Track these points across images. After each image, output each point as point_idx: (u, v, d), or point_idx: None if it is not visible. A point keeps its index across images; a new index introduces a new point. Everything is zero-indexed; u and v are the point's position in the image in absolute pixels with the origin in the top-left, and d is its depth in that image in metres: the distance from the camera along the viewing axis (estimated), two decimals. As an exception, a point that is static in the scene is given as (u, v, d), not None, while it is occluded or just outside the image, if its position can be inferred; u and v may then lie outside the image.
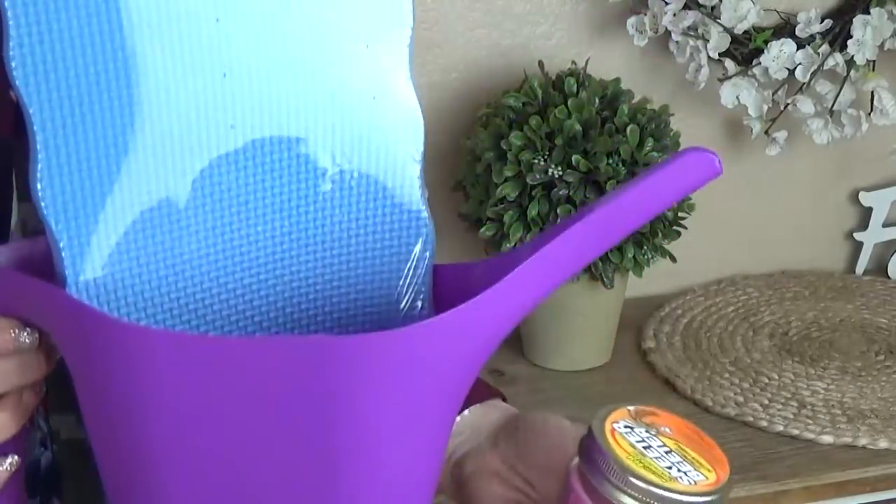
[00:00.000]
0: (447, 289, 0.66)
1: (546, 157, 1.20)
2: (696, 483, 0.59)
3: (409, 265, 0.66)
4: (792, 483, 1.15)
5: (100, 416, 0.59)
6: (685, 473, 0.59)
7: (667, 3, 1.31)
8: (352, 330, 0.66)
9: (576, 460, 0.61)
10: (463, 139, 1.30)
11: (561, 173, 1.19)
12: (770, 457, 1.17)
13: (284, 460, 0.57)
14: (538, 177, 1.19)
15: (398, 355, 0.55)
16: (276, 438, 0.56)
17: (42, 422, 0.80)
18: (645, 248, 1.24)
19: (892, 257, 1.57)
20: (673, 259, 1.27)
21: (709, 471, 0.60)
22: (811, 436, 1.20)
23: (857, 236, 1.57)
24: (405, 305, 0.66)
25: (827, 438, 1.20)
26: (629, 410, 0.63)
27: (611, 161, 1.19)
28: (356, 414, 0.56)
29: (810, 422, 1.22)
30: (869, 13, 1.32)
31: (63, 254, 0.57)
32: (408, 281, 0.66)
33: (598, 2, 1.40)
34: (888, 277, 1.57)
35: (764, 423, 1.22)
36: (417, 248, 0.65)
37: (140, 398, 0.56)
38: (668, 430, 0.62)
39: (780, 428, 1.21)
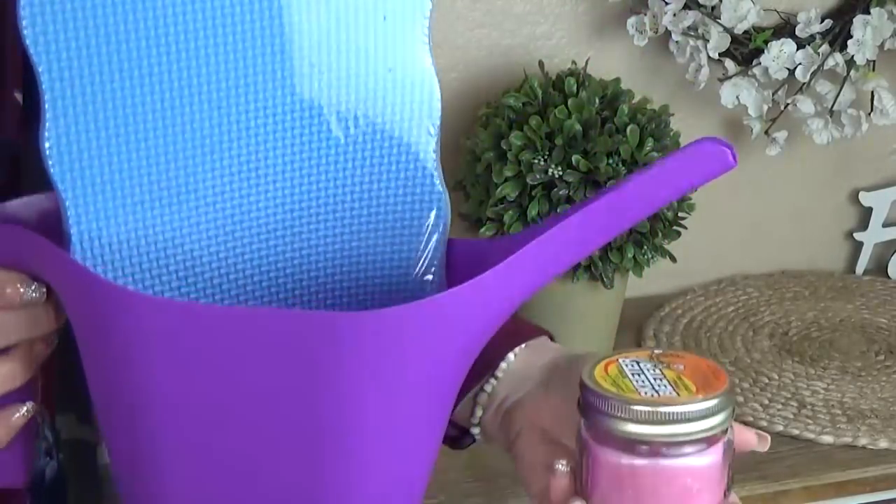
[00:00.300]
0: (462, 264, 0.66)
1: (546, 157, 1.20)
2: (658, 396, 0.58)
3: (422, 236, 0.66)
4: (792, 483, 1.15)
5: (101, 380, 0.60)
6: (656, 391, 0.59)
7: (667, 3, 1.31)
8: (361, 298, 0.66)
9: None
10: (463, 139, 1.30)
11: (561, 173, 1.19)
12: (770, 457, 1.17)
13: (275, 435, 0.57)
14: (538, 177, 1.19)
15: (390, 333, 0.55)
16: (266, 410, 0.57)
17: (48, 431, 0.80)
18: (645, 248, 1.24)
19: (892, 257, 1.57)
20: (673, 259, 1.27)
21: (689, 393, 0.59)
22: (811, 436, 1.20)
23: (857, 236, 1.57)
24: (417, 274, 0.66)
25: (827, 438, 1.20)
26: (650, 353, 0.63)
27: (611, 161, 1.19)
28: (343, 389, 0.56)
29: (810, 422, 1.22)
30: (869, 13, 1.32)
31: (69, 212, 0.58)
32: (420, 252, 0.66)
33: (598, 2, 1.40)
34: (888, 277, 1.57)
35: (764, 423, 1.22)
36: (431, 219, 0.65)
37: (135, 361, 0.57)
38: (681, 366, 0.61)
39: (780, 428, 1.21)
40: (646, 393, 0.59)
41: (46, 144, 0.57)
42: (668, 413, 0.58)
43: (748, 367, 1.33)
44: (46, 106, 0.56)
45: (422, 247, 0.66)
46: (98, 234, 0.59)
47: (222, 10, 0.59)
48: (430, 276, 0.66)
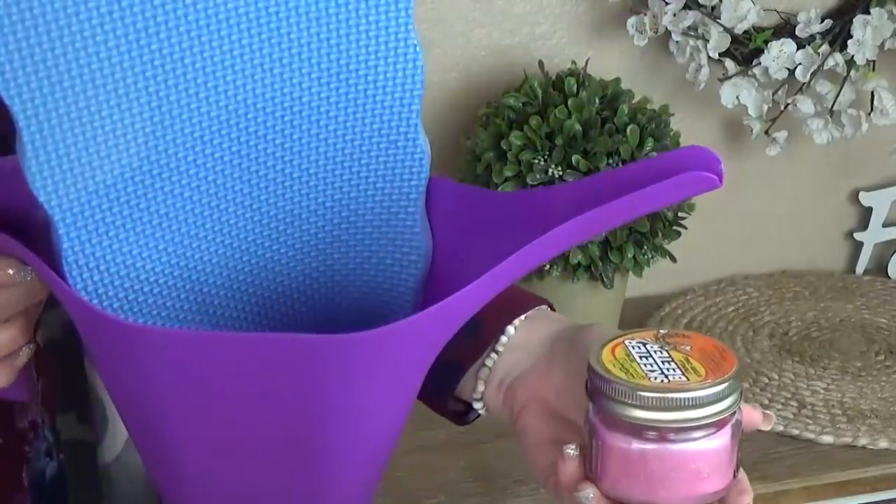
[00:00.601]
0: (449, 207, 0.67)
1: (546, 157, 1.20)
2: (668, 382, 0.58)
3: (407, 205, 0.66)
4: (792, 483, 1.15)
5: (108, 376, 0.64)
6: (665, 376, 0.59)
7: (667, 3, 1.31)
8: (351, 277, 0.68)
9: None
10: (463, 139, 1.30)
11: (561, 173, 1.19)
12: (770, 457, 1.17)
13: (272, 432, 0.60)
14: (538, 177, 1.19)
15: (365, 354, 0.57)
16: (256, 425, 0.60)
17: (48, 431, 0.80)
18: (645, 248, 1.24)
19: (892, 257, 1.57)
20: (673, 259, 1.28)
21: (698, 377, 0.59)
22: (811, 436, 1.20)
23: (857, 236, 1.57)
24: (398, 226, 0.67)
25: (827, 438, 1.20)
26: (656, 333, 0.62)
27: (611, 161, 1.19)
28: (328, 399, 0.58)
29: (810, 422, 1.22)
30: (869, 13, 1.32)
31: (60, 231, 0.59)
32: (402, 213, 0.66)
33: (598, 2, 1.40)
34: (888, 277, 1.57)
35: (764, 423, 1.22)
36: (414, 183, 0.66)
37: (134, 374, 0.60)
38: (688, 347, 0.61)
39: (780, 428, 1.21)
40: (655, 378, 0.58)
41: (29, 172, 0.58)
42: (678, 399, 0.57)
43: (748, 367, 1.33)
44: (25, 139, 0.57)
45: (405, 213, 0.66)
46: (91, 251, 0.60)
47: (197, 23, 0.59)
48: (413, 235, 0.67)
